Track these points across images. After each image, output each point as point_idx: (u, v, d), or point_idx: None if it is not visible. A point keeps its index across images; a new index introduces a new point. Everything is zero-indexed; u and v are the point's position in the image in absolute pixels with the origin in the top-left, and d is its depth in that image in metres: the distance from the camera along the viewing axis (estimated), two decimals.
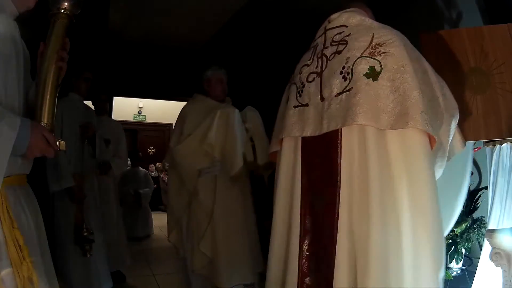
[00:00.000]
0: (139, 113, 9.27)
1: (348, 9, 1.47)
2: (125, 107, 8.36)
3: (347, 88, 1.30)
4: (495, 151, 1.87)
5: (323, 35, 1.47)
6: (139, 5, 3.80)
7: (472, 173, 2.27)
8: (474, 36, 1.85)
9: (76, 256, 2.70)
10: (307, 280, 1.34)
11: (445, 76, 1.43)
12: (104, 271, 2.90)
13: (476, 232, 2.21)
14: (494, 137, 1.81)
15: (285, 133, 1.48)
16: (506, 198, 1.84)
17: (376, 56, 1.28)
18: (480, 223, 2.22)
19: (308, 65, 1.49)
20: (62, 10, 1.13)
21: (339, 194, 1.28)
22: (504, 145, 1.84)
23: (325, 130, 1.33)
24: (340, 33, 1.40)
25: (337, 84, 1.33)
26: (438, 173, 1.38)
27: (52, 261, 1.30)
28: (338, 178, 1.28)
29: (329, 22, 1.49)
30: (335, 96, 1.32)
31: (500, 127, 1.78)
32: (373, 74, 1.26)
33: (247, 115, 2.62)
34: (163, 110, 8.65)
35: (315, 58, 1.46)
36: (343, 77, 1.32)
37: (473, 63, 1.85)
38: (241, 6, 3.76)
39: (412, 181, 1.21)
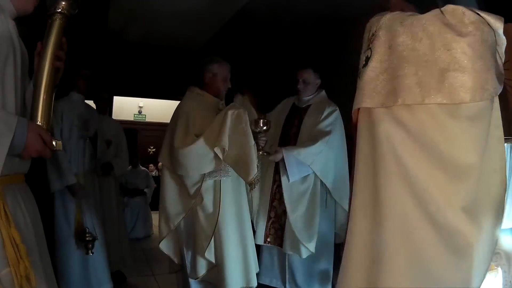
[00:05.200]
0: (139, 112, 9.28)
1: None
2: (125, 107, 8.38)
3: None
4: None
5: None
6: (139, 5, 3.80)
7: None
8: None
9: (75, 256, 2.71)
10: None
11: None
12: (104, 271, 2.89)
13: None
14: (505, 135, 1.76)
15: None
16: (506, 198, 1.83)
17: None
18: None
19: None
20: (60, 10, 1.12)
21: None
22: (505, 145, 1.83)
23: None
24: None
25: None
26: None
27: (51, 261, 1.30)
28: None
29: None
30: None
31: (509, 125, 1.71)
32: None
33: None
34: (163, 110, 8.64)
35: None
36: None
37: None
38: (242, 6, 3.76)
39: None
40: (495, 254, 1.67)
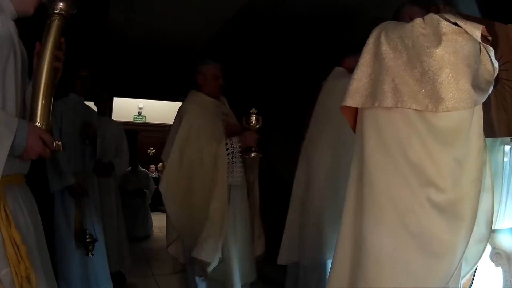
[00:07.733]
0: (139, 113, 9.27)
1: None
2: (125, 108, 8.36)
3: None
4: None
5: None
6: (139, 5, 3.80)
7: None
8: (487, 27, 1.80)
9: (75, 256, 2.70)
10: None
11: None
12: (104, 271, 2.90)
13: None
14: (504, 135, 1.73)
15: None
16: (506, 198, 1.84)
17: None
18: None
19: None
20: (58, 11, 1.12)
21: None
22: (506, 146, 1.83)
23: None
24: None
25: None
26: None
27: (51, 261, 1.30)
28: None
29: None
30: None
31: (510, 126, 1.70)
32: None
33: None
34: (163, 111, 8.64)
35: None
36: None
37: None
38: (242, 6, 3.75)
39: None
40: (495, 254, 1.67)
